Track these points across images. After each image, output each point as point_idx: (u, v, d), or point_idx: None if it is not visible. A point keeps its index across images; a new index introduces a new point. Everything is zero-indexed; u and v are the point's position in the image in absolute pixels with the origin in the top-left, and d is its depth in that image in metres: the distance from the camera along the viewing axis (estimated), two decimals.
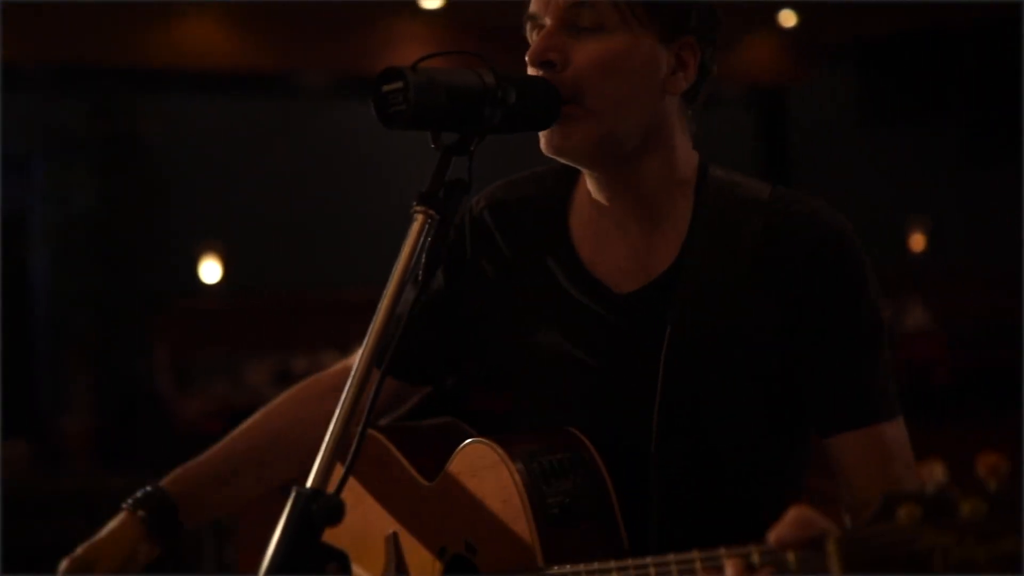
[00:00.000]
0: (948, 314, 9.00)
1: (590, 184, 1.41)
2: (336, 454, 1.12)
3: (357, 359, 1.17)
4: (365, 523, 1.50)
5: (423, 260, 1.19)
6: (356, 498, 1.26)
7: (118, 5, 7.45)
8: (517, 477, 1.29)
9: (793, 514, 0.97)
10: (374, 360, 1.17)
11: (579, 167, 1.39)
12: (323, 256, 8.66)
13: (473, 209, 1.51)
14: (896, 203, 9.58)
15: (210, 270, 8.25)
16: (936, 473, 0.87)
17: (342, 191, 8.83)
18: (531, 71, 1.33)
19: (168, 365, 7.80)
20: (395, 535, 1.48)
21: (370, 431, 1.50)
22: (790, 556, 0.97)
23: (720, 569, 1.02)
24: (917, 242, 9.79)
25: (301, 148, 8.71)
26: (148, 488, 1.49)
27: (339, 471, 1.12)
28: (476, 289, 1.50)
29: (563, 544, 1.25)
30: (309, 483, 1.10)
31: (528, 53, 1.31)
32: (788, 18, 9.10)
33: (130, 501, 1.48)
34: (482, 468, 1.34)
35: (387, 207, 8.92)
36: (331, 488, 1.10)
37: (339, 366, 1.65)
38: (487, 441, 1.34)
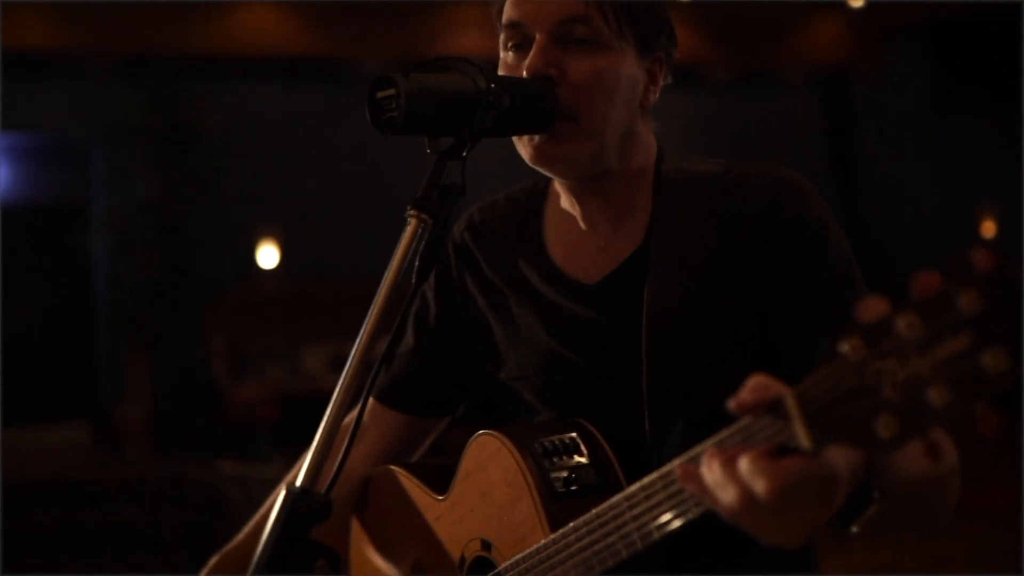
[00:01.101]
0: None
1: (562, 191, 1.46)
2: (325, 452, 1.15)
3: (347, 364, 1.19)
4: (392, 558, 1.54)
5: (416, 264, 1.22)
6: (379, 536, 1.26)
7: None
8: (518, 456, 1.32)
9: (751, 380, 0.97)
10: (364, 362, 1.19)
11: (559, 177, 1.43)
12: (379, 242, 8.64)
13: (455, 235, 1.57)
14: (967, 190, 9.32)
15: (268, 256, 8.32)
16: (877, 307, 0.87)
17: (399, 177, 8.81)
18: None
19: (225, 351, 7.89)
20: (419, 562, 1.51)
21: (389, 467, 1.57)
22: (753, 425, 0.97)
23: (698, 465, 1.02)
24: (988, 229, 9.52)
25: (358, 135, 8.69)
26: None
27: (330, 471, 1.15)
28: (467, 311, 1.54)
29: (568, 517, 1.25)
30: (298, 482, 1.13)
31: (526, 66, 1.33)
32: None
33: None
34: (487, 459, 1.38)
35: None
36: (321, 488, 1.13)
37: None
38: (490, 432, 1.38)
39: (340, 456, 1.15)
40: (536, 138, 1.35)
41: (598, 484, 1.30)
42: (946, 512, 1.24)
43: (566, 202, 1.47)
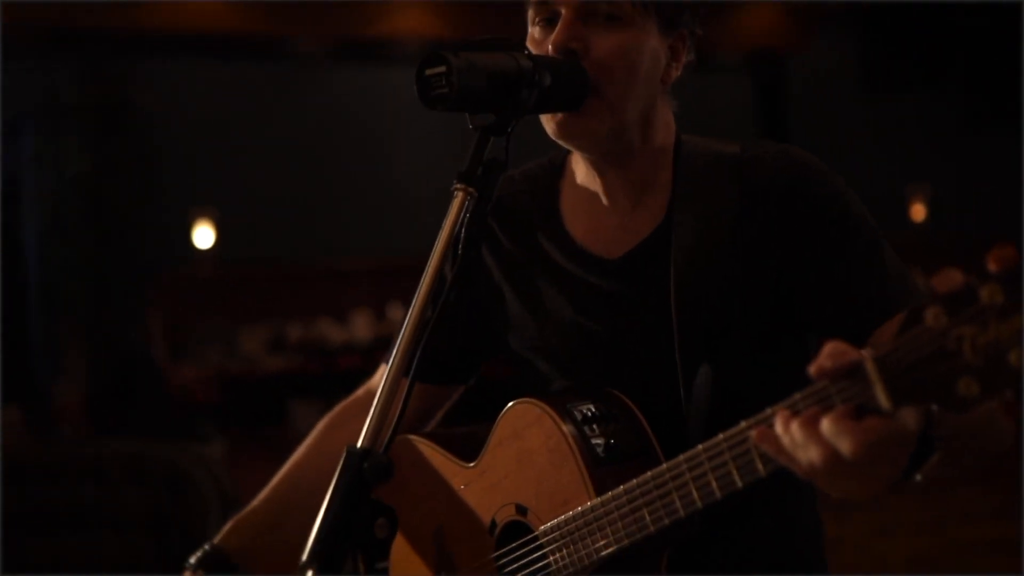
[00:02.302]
0: None
1: (581, 167, 1.52)
2: (385, 414, 1.19)
3: (403, 325, 1.23)
4: (415, 526, 1.55)
5: (463, 235, 1.26)
6: (397, 505, 1.28)
7: None
8: (562, 424, 1.36)
9: (828, 347, 1.02)
10: (420, 326, 1.23)
11: (582, 152, 1.47)
12: (317, 224, 8.61)
13: None
14: (897, 172, 9.53)
15: (204, 237, 8.20)
16: (953, 278, 0.93)
17: (336, 157, 8.78)
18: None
19: (162, 332, 7.78)
20: (440, 528, 1.53)
21: (407, 436, 1.58)
22: (831, 389, 1.02)
23: (771, 427, 1.07)
24: (918, 212, 9.76)
25: (296, 114, 8.64)
26: (205, 547, 1.56)
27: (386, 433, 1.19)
28: (485, 285, 1.58)
29: (612, 481, 1.30)
30: (359, 443, 1.17)
31: (552, 41, 1.37)
32: None
33: (191, 562, 1.55)
34: (525, 427, 1.41)
35: (382, 174, 8.91)
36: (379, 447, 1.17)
37: (361, 391, 1.73)
38: (529, 400, 1.41)
39: (396, 417, 1.19)
40: (561, 113, 1.39)
41: (637, 450, 1.35)
42: (998, 449, 1.29)
43: (586, 178, 1.51)
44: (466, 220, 1.26)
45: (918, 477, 1.12)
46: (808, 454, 1.04)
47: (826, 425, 1.01)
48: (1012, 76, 8.63)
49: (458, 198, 1.26)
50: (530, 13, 1.44)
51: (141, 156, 7.89)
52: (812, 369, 1.02)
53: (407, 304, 1.27)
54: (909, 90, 9.88)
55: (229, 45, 8.39)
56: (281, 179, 8.53)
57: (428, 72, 1.26)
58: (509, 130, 1.29)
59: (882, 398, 0.98)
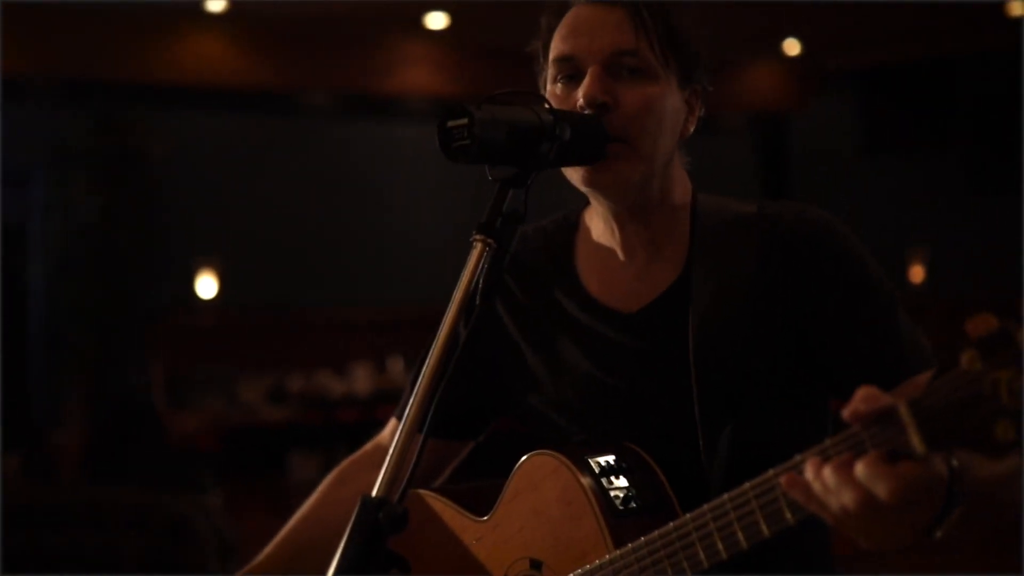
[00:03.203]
0: (948, 346, 8.96)
1: (597, 222, 1.53)
2: (400, 465, 1.19)
3: (419, 380, 1.23)
4: None
5: (480, 286, 1.26)
6: (413, 561, 1.29)
7: (121, 20, 7.47)
8: (580, 476, 1.34)
9: (861, 392, 1.03)
10: (437, 377, 1.24)
11: (609, 200, 1.47)
12: (320, 274, 8.64)
13: None
14: (896, 234, 9.58)
15: (207, 286, 8.23)
16: (988, 322, 0.93)
17: (341, 210, 8.82)
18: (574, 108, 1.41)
19: (163, 380, 7.78)
20: None
21: (418, 491, 1.57)
22: (863, 435, 1.02)
23: (800, 473, 1.07)
24: (916, 274, 9.78)
25: (302, 166, 8.71)
26: None
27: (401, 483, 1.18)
28: (502, 341, 1.58)
29: (631, 534, 1.28)
30: (374, 492, 1.17)
31: (583, 95, 1.39)
32: (792, 47, 9.13)
33: None
34: (542, 479, 1.39)
35: (386, 227, 8.96)
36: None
37: (370, 445, 1.72)
38: (545, 452, 1.41)
39: (410, 468, 1.18)
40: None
41: (655, 503, 1.34)
42: (1019, 507, 1.30)
43: (603, 233, 1.52)
44: (484, 271, 1.26)
45: (939, 533, 1.11)
46: (841, 499, 1.03)
47: (860, 469, 1.01)
48: (1012, 137, 8.71)
49: (477, 249, 1.26)
50: (550, 71, 1.46)
51: (147, 205, 7.93)
52: (846, 413, 1.03)
53: (407, 357, 1.27)
54: (910, 151, 9.95)
55: (237, 97, 8.48)
56: (285, 230, 8.57)
57: (450, 124, 1.26)
58: (528, 183, 1.30)
59: (916, 442, 0.98)
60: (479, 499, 1.51)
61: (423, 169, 8.34)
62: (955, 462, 1.08)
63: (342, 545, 1.14)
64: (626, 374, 1.46)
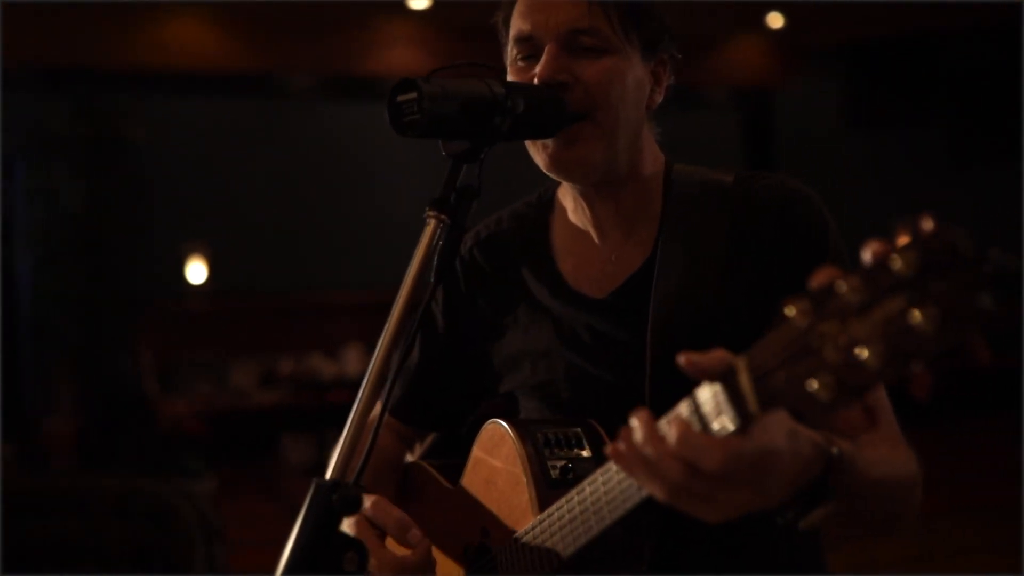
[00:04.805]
0: None
1: (571, 202, 1.50)
2: (354, 447, 1.16)
3: (373, 359, 1.23)
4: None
5: (435, 263, 1.24)
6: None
7: (102, 6, 7.43)
8: (519, 443, 1.34)
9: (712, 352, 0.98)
10: (389, 357, 1.23)
11: (574, 183, 1.45)
12: (309, 258, 8.64)
13: (463, 251, 1.57)
14: (882, 207, 9.59)
15: (196, 271, 8.23)
16: (828, 273, 0.87)
17: (328, 192, 8.81)
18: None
19: (153, 366, 7.78)
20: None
21: (415, 462, 1.58)
22: (704, 394, 0.97)
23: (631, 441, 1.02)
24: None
25: (287, 149, 8.69)
26: None
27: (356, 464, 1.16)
28: (475, 325, 1.56)
29: None
30: (328, 475, 1.14)
31: (538, 74, 1.36)
32: (775, 20, 9.10)
33: None
34: (493, 447, 1.41)
35: (372, 208, 8.95)
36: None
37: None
38: (497, 420, 1.41)
39: (366, 450, 1.16)
40: (551, 144, 1.38)
41: None
42: (906, 519, 1.27)
43: (576, 213, 1.50)
44: (438, 248, 1.24)
45: (801, 524, 1.06)
46: (665, 471, 0.98)
47: (683, 439, 0.97)
48: (996, 111, 8.72)
49: (430, 226, 1.24)
50: (511, 51, 1.42)
51: (133, 190, 7.91)
52: (682, 359, 0.97)
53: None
54: (894, 125, 9.95)
55: (220, 81, 8.45)
56: (272, 213, 8.56)
57: (399, 99, 1.23)
58: (482, 157, 1.27)
59: (751, 399, 0.91)
60: (460, 467, 1.51)
61: (409, 150, 8.31)
62: (835, 450, 1.05)
63: (295, 529, 1.10)
64: (596, 359, 1.44)
